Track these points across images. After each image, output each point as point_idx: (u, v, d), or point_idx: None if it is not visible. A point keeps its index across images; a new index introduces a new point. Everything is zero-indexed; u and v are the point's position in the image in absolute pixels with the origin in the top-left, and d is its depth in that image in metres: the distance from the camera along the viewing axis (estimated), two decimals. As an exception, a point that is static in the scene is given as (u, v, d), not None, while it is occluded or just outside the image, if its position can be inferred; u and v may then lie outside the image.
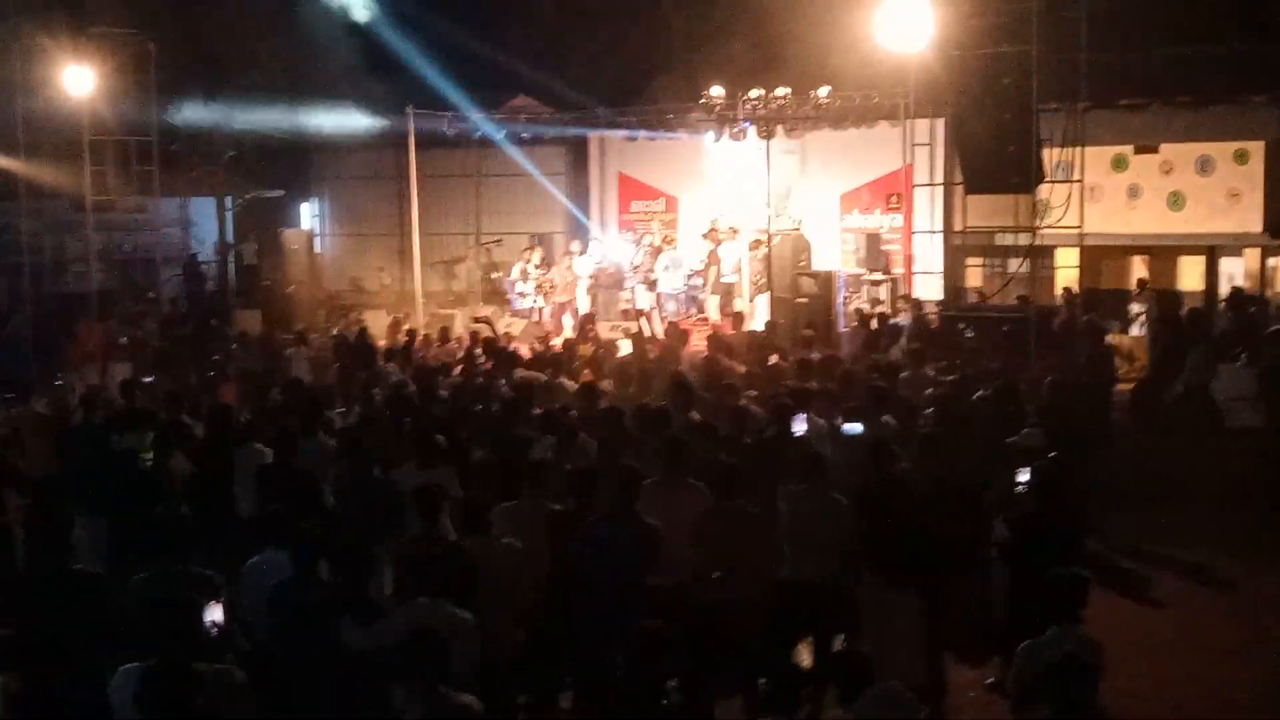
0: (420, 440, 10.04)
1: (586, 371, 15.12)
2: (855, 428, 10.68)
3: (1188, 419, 15.32)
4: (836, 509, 8.86)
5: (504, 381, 13.79)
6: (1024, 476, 8.94)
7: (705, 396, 12.05)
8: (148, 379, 17.03)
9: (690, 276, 24.23)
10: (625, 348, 17.35)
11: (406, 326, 20.40)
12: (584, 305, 24.18)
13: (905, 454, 9.67)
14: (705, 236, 24.20)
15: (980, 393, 12.26)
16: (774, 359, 15.04)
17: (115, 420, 11.98)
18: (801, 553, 8.81)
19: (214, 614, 6.53)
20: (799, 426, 10.30)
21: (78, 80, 22.03)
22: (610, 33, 25.96)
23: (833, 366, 13.52)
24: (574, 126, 26.77)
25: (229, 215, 31.35)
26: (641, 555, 8.07)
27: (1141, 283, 22.80)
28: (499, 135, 26.45)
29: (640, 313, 23.63)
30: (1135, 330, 21.53)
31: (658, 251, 24.29)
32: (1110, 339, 18.96)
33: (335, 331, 20.74)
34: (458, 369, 15.29)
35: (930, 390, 12.47)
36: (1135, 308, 22.00)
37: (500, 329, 21.11)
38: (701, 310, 23.89)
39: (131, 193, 23.59)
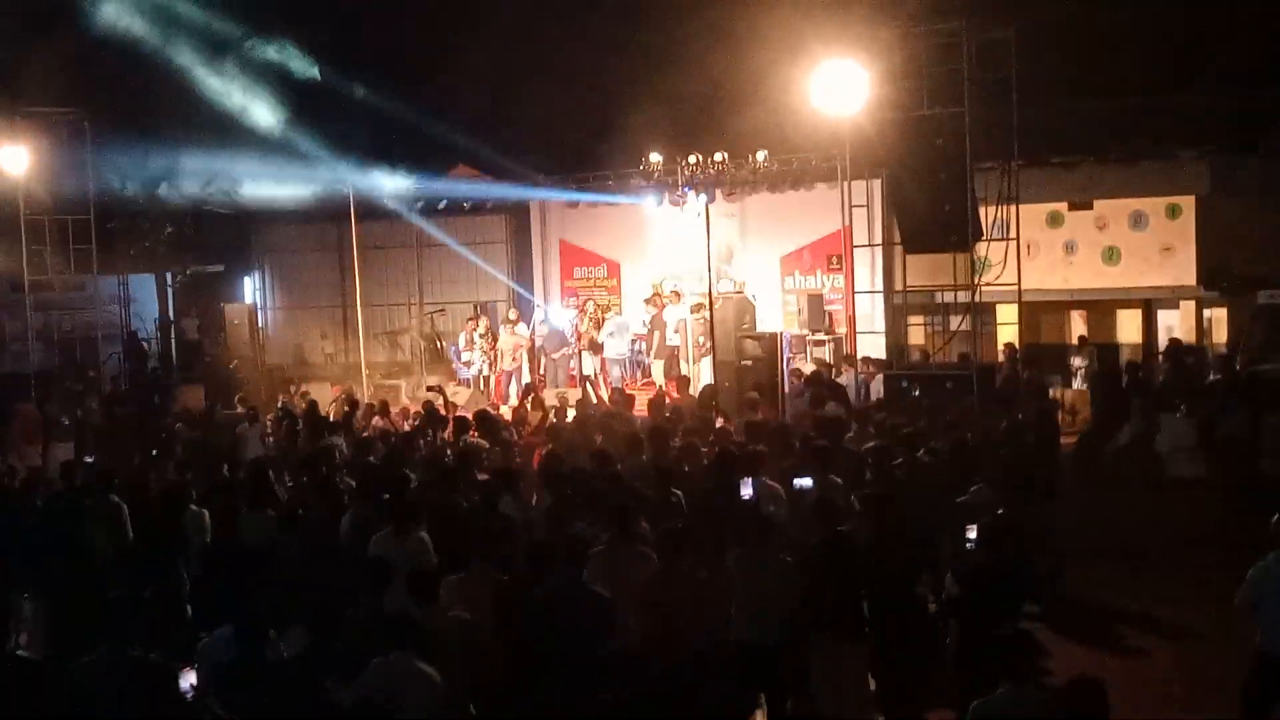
0: (396, 507, 9.96)
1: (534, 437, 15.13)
2: (806, 482, 10.70)
3: (1131, 470, 15.45)
4: (785, 570, 8.86)
5: (448, 450, 13.77)
6: (972, 533, 9.00)
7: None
8: (89, 458, 16.83)
9: (635, 341, 24.29)
10: (570, 415, 17.35)
11: (351, 398, 20.29)
12: (528, 372, 24.17)
13: (851, 511, 9.70)
14: (648, 301, 24.30)
15: (930, 446, 12.33)
16: (720, 422, 15.07)
17: (53, 500, 11.83)
18: (751, 615, 8.79)
19: (188, 679, 6.50)
20: (746, 490, 10.31)
21: (12, 159, 21.92)
22: (548, 101, 26.09)
23: (780, 429, 13.57)
24: (514, 193, 26.85)
25: (170, 291, 31.14)
26: (593, 626, 8.03)
27: (1082, 339, 23.04)
28: (439, 205, 26.47)
29: (585, 378, 23.65)
30: (1076, 384, 21.75)
31: (600, 318, 24.38)
32: (1053, 394, 19.15)
33: (280, 405, 20.56)
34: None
35: (870, 444, 12.50)
36: (1076, 362, 22.23)
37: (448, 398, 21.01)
38: (647, 375, 23.94)
39: (70, 271, 23.41)
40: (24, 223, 22.34)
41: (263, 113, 26.01)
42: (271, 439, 17.52)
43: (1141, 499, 14.82)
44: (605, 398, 21.23)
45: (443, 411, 17.29)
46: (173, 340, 30.44)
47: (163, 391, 24.61)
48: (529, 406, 17.76)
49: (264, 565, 9.29)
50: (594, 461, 11.80)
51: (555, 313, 25.78)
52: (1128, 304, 24.01)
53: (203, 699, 6.83)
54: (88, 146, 22.52)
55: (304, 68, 25.97)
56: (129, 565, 9.59)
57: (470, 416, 16.06)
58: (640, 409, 17.90)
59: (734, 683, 8.78)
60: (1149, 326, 23.89)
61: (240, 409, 19.44)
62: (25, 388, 21.96)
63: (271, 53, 25.66)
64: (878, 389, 19.03)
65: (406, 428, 17.07)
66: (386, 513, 10.03)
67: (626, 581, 8.49)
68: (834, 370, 20.45)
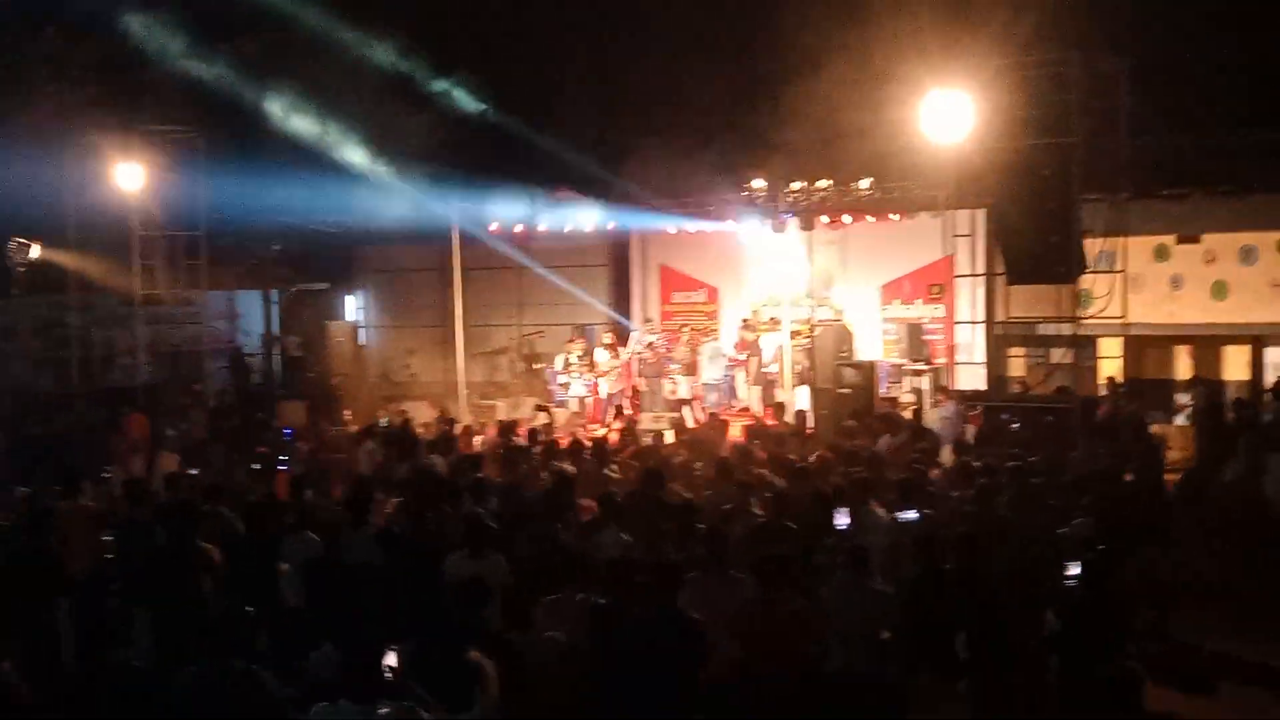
0: (472, 529, 10.04)
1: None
2: (910, 515, 10.65)
3: (1236, 509, 15.14)
4: (881, 600, 8.82)
5: (544, 474, 13.83)
6: (1074, 569, 8.90)
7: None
8: (193, 471, 17.13)
9: (730, 367, 24.30)
10: (669, 437, 17.39)
11: (448, 418, 20.49)
12: (625, 394, 24.28)
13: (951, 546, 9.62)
14: (744, 327, 24.31)
15: (1032, 481, 12.21)
16: (818, 452, 15.03)
17: (161, 513, 12.04)
18: (846, 645, 8.75)
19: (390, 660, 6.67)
20: (842, 520, 10.27)
21: (127, 177, 22.42)
22: (653, 125, 26.15)
23: (876, 459, 13.52)
24: (616, 218, 27.00)
25: (274, 308, 31.67)
26: (685, 649, 8.03)
27: (1195, 376, 22.58)
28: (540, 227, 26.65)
29: (683, 402, 23.67)
30: (1179, 420, 21.37)
31: (696, 342, 24.47)
32: (1155, 429, 18.85)
33: (383, 423, 20.80)
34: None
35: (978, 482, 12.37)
36: (1183, 399, 21.85)
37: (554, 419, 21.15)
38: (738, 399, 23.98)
39: (179, 287, 23.87)
40: (136, 239, 22.82)
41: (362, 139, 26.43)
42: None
43: (1247, 541, 14.52)
44: (700, 421, 21.28)
45: (543, 435, 17.36)
46: (276, 356, 30.93)
47: (266, 407, 25.00)
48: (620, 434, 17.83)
49: (366, 585, 9.39)
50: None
51: (653, 336, 25.82)
52: (1235, 340, 23.55)
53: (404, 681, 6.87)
54: (201, 165, 22.94)
55: (463, 99, 26.36)
56: (234, 579, 9.73)
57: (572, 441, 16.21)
58: (735, 435, 17.89)
59: (829, 713, 8.74)
60: (1257, 363, 23.42)
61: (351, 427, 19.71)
62: (134, 401, 22.39)
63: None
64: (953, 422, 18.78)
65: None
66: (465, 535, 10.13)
67: (721, 608, 8.48)
68: (933, 400, 20.34)
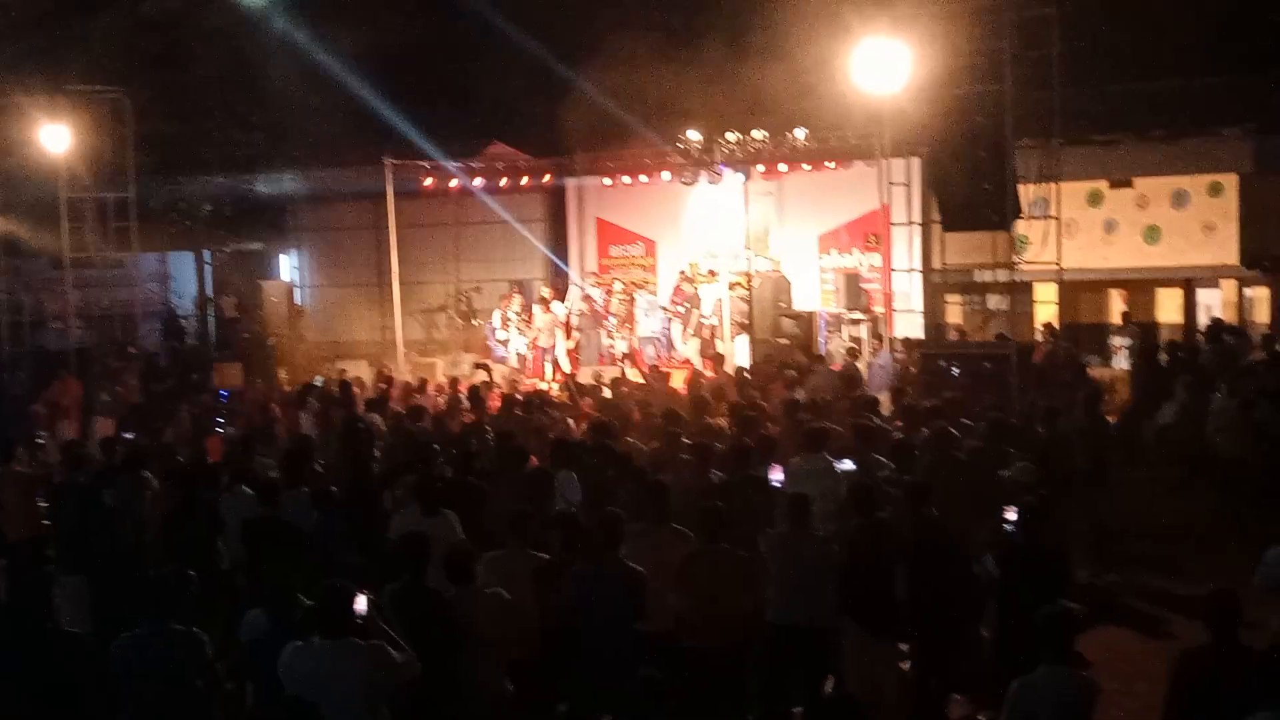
0: (423, 486, 9.97)
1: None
2: (847, 464, 10.66)
3: (1175, 449, 15.34)
4: (821, 549, 8.85)
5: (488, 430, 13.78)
6: (1011, 515, 8.95)
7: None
8: (128, 434, 16.93)
9: (667, 319, 24.29)
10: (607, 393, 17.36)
11: (386, 375, 20.37)
12: (563, 349, 24.20)
13: (894, 494, 9.66)
14: (683, 279, 24.30)
15: (977, 428, 12.27)
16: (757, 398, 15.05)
17: (101, 477, 11.90)
18: (787, 595, 8.78)
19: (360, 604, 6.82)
20: (776, 475, 10.25)
21: (54, 138, 22.00)
22: (585, 77, 26.03)
23: (822, 407, 13.59)
24: (550, 173, 26.90)
25: (208, 269, 31.32)
26: (628, 601, 8.04)
27: (1126, 316, 22.86)
28: (475, 184, 26.47)
29: (624, 356, 23.64)
30: (1116, 363, 21.59)
31: (630, 295, 24.48)
32: (1092, 373, 19.03)
33: (318, 382, 20.62)
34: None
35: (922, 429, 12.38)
36: (1118, 341, 22.07)
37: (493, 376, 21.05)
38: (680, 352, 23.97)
39: (109, 249, 23.51)
40: (64, 201, 22.44)
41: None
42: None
43: (1185, 478, 14.73)
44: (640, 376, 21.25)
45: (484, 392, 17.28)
46: (210, 318, 30.61)
47: (201, 369, 24.74)
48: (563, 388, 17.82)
49: (301, 543, 9.32)
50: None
51: (588, 290, 25.75)
52: (1168, 283, 23.79)
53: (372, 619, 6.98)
54: (129, 124, 22.55)
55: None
56: (169, 542, 9.64)
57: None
58: (676, 386, 17.89)
59: (771, 664, 8.78)
60: (1189, 306, 23.69)
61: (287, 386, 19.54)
62: (65, 364, 22.09)
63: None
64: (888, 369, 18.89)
65: (442, 404, 17.07)
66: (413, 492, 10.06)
67: (664, 561, 8.48)
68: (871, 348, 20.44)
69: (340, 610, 6.82)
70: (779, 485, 10.13)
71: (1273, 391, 14.61)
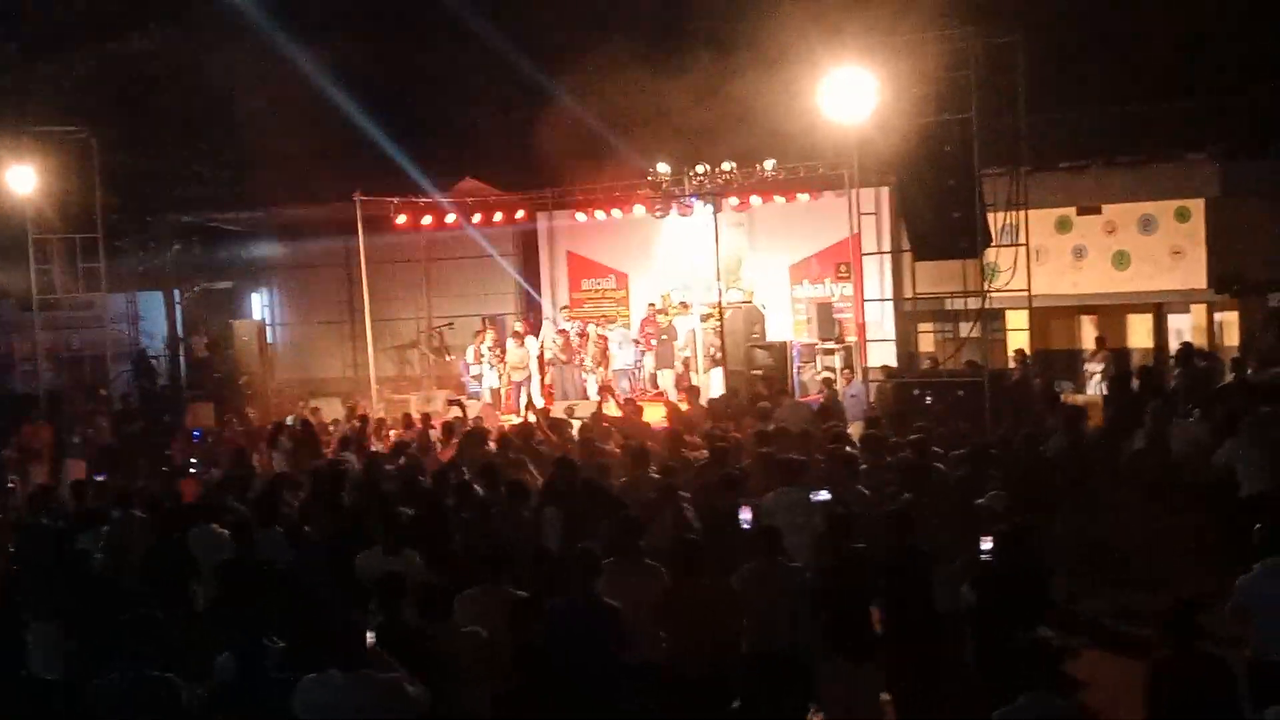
0: (387, 525, 9.91)
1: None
2: (823, 495, 10.65)
3: (1145, 476, 15.34)
4: (795, 579, 8.85)
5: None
6: (986, 544, 8.95)
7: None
8: (100, 477, 16.82)
9: (640, 352, 24.29)
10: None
11: (359, 413, 20.30)
12: (537, 384, 24.16)
13: (870, 523, 9.65)
14: (658, 311, 24.31)
15: (956, 454, 12.28)
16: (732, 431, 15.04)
17: (70, 521, 11.81)
18: (764, 626, 8.75)
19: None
20: (744, 515, 10.22)
21: (19, 179, 21.89)
22: (555, 112, 26.09)
23: (794, 437, 13.57)
24: (522, 208, 26.94)
25: (178, 308, 31.18)
26: (605, 635, 8.02)
27: (1100, 341, 22.90)
28: (448, 219, 26.43)
29: (603, 389, 23.59)
30: (1090, 389, 21.65)
31: (603, 343, 24.47)
32: (1064, 399, 19.06)
33: (289, 421, 20.53)
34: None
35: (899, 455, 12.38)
36: (1092, 367, 22.14)
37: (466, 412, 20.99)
38: (655, 385, 23.91)
39: (78, 290, 23.38)
40: (31, 242, 22.30)
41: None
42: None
43: (1157, 504, 14.72)
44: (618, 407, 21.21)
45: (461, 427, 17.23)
46: (181, 357, 30.45)
47: (173, 410, 24.59)
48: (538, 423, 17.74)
49: (274, 583, 9.25)
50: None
51: (562, 326, 25.71)
52: (1138, 308, 23.91)
53: None
54: (95, 164, 22.45)
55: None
56: (143, 585, 9.55)
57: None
58: (650, 420, 17.88)
59: (751, 694, 8.74)
60: (1160, 330, 23.80)
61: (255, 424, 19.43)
62: (35, 407, 21.93)
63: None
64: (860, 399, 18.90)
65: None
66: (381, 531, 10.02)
67: (637, 596, 8.46)
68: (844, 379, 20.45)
69: (356, 643, 6.89)
70: (747, 524, 10.14)
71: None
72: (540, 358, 24.56)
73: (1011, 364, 21.12)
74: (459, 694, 7.58)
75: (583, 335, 24.92)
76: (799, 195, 23.71)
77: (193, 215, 29.43)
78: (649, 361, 24.21)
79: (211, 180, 29.39)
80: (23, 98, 23.99)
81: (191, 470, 17.20)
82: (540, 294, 27.94)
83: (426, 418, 18.72)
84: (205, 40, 27.44)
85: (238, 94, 27.60)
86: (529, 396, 23.60)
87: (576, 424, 17.34)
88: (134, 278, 28.67)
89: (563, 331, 24.78)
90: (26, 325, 24.00)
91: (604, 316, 26.27)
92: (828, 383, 19.79)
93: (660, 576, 8.75)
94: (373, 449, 16.74)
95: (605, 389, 23.43)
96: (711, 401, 18.80)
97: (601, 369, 24.26)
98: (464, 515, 11.03)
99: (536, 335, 25.18)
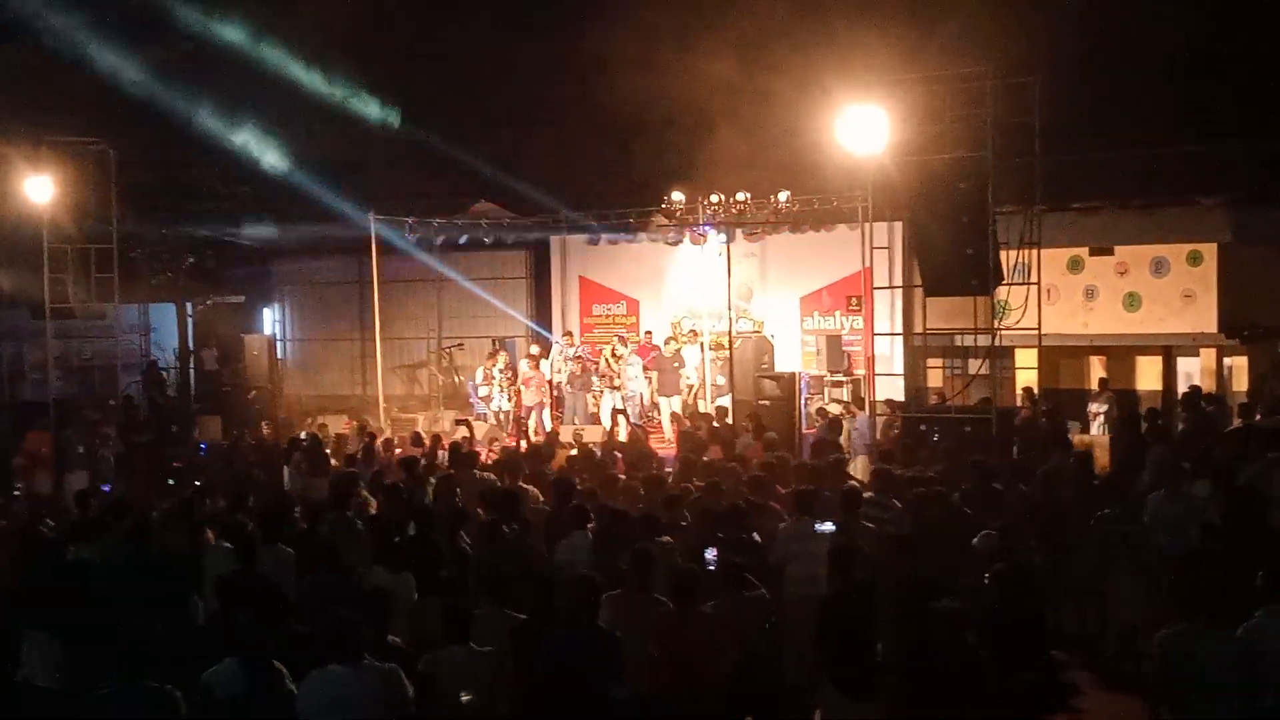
0: (388, 545, 9.96)
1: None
2: (827, 527, 10.66)
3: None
4: (760, 605, 8.96)
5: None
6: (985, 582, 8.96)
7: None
8: (105, 487, 16.84)
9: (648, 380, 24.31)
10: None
11: (367, 430, 20.33)
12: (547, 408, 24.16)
13: (876, 555, 9.65)
14: (666, 340, 24.33)
15: (962, 489, 12.29)
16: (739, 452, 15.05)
17: (71, 531, 11.81)
18: (760, 654, 8.77)
19: None
20: (709, 554, 10.17)
21: (37, 189, 21.97)
22: (571, 138, 26.20)
23: (798, 469, 13.59)
24: (535, 231, 27.00)
25: (190, 321, 31.26)
26: (603, 665, 8.02)
27: (1103, 382, 22.93)
28: (460, 240, 26.49)
29: (619, 412, 23.55)
30: (1095, 429, 21.62)
31: (617, 369, 24.46)
32: (1072, 438, 19.02)
33: (300, 437, 20.55)
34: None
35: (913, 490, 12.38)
36: (1094, 407, 22.11)
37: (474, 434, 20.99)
38: (655, 412, 23.92)
39: (91, 300, 23.43)
40: (47, 251, 22.37)
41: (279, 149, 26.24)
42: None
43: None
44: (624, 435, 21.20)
45: (467, 448, 17.25)
46: (191, 370, 30.51)
47: (181, 421, 24.62)
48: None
49: (278, 599, 9.26)
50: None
51: (573, 351, 25.73)
52: (1148, 350, 23.93)
53: None
54: (112, 175, 22.54)
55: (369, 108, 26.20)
56: (144, 597, 9.54)
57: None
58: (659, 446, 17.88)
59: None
60: (1169, 373, 23.80)
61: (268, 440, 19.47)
62: (44, 415, 21.96)
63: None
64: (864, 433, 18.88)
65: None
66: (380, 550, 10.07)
67: (640, 625, 8.47)
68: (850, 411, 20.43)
69: (353, 636, 7.12)
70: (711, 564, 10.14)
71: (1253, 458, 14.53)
72: (550, 381, 24.57)
73: (1019, 402, 21.11)
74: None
75: (595, 353, 24.91)
76: (810, 228, 23.75)
77: (207, 229, 29.52)
78: (644, 388, 24.17)
79: (227, 195, 29.44)
80: (42, 109, 24.05)
81: (197, 483, 17.19)
82: (551, 317, 27.97)
83: (436, 438, 18.74)
84: (224, 55, 27.54)
85: (255, 109, 27.68)
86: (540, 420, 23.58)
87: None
88: (147, 289, 28.73)
89: (579, 358, 24.74)
90: (39, 334, 24.05)
91: (621, 340, 26.30)
92: (822, 413, 19.78)
93: (663, 606, 8.74)
94: (379, 467, 16.74)
95: (618, 414, 23.40)
96: (713, 430, 18.78)
97: (614, 392, 24.18)
98: (466, 540, 11.04)
99: (548, 358, 25.20)
